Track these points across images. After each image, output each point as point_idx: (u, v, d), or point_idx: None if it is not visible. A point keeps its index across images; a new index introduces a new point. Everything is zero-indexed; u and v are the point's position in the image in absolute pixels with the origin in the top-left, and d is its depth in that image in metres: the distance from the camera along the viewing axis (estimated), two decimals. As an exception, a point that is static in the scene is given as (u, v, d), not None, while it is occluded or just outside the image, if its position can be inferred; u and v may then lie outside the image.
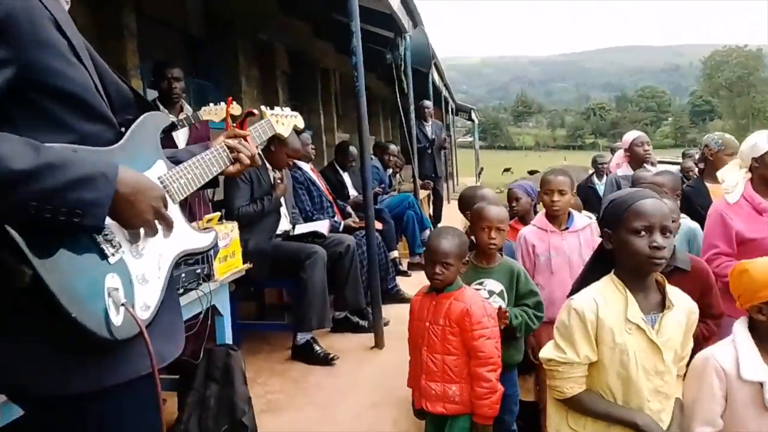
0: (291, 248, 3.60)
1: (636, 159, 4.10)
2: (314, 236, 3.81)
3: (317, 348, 3.49)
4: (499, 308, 2.19)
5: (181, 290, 2.34)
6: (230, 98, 2.00)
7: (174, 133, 2.99)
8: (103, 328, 1.02)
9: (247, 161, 1.43)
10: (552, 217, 2.72)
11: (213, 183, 1.43)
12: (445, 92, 12.31)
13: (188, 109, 3.47)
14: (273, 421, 2.68)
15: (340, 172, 5.42)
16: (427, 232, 6.46)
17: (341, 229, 4.32)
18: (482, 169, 26.35)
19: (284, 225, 3.85)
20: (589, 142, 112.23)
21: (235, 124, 1.51)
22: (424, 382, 2.05)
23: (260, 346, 3.80)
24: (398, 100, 5.92)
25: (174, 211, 1.25)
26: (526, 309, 2.29)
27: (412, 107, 6.17)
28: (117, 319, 1.04)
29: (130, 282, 1.10)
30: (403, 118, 5.94)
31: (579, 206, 3.26)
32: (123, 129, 1.21)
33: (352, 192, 5.35)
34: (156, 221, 1.14)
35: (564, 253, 2.64)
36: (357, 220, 4.64)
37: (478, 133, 31.22)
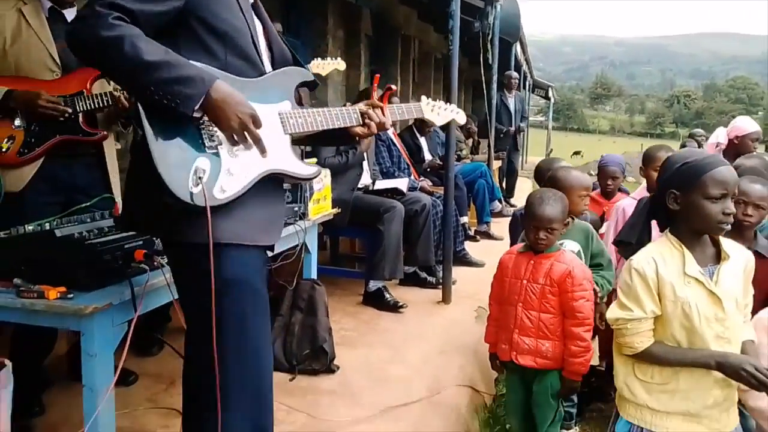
0: (371, 201, 3.82)
1: (743, 151, 3.64)
2: (393, 192, 4.00)
3: (387, 296, 3.72)
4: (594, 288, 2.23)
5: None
6: (377, 75, 2.23)
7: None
8: (185, 193, 1.33)
9: (374, 128, 1.67)
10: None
11: (344, 140, 1.74)
12: (525, 66, 12.11)
13: None
14: (348, 354, 2.91)
15: (418, 136, 5.55)
16: (497, 203, 6.56)
17: (418, 189, 4.49)
18: (551, 150, 25.65)
19: (365, 179, 4.06)
20: (669, 131, 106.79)
21: (378, 96, 1.78)
22: (517, 336, 2.13)
23: (333, 290, 4.05)
24: (482, 70, 5.96)
25: (281, 139, 1.52)
26: (603, 274, 2.39)
27: (494, 78, 6.19)
28: (195, 189, 1.35)
29: (218, 169, 1.40)
30: (485, 88, 5.97)
31: None
32: None
33: (428, 156, 5.50)
34: (244, 132, 1.40)
35: None
36: (431, 183, 4.80)
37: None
